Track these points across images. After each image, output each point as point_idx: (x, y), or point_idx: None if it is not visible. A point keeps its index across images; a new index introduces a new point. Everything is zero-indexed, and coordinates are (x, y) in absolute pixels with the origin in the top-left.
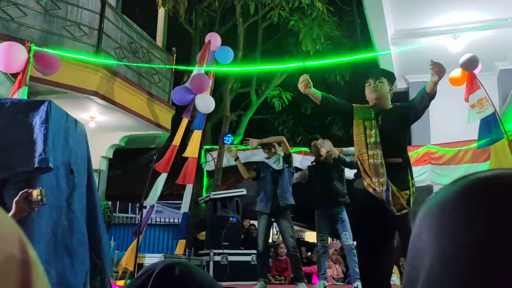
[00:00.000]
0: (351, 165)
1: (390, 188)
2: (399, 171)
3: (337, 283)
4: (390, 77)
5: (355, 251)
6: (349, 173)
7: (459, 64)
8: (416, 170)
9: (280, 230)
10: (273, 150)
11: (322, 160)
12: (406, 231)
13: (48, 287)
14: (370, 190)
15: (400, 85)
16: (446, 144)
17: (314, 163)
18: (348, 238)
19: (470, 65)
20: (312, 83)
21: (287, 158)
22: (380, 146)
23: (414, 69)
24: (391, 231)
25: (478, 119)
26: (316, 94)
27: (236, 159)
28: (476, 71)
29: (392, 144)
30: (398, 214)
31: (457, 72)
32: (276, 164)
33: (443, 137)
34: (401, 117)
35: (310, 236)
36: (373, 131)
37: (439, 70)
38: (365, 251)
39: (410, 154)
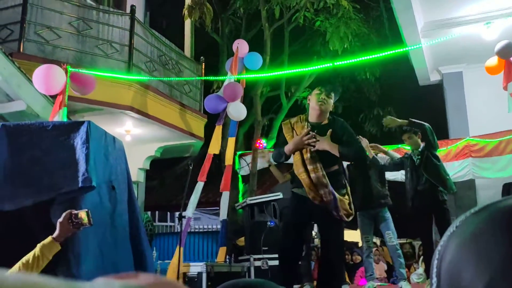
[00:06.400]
0: (387, 167)
1: (336, 196)
2: (337, 177)
3: (380, 284)
4: (337, 95)
5: (400, 251)
6: (393, 175)
7: (494, 51)
8: (455, 165)
9: None
10: None
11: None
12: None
13: None
14: (317, 201)
15: (433, 77)
16: (487, 135)
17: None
18: (391, 238)
19: (506, 52)
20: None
21: None
22: (317, 159)
23: (447, 61)
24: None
25: None
26: None
27: (270, 165)
28: None
29: (328, 154)
30: (347, 220)
31: (493, 60)
32: None
33: (482, 128)
34: (333, 138)
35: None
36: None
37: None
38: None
39: (448, 148)
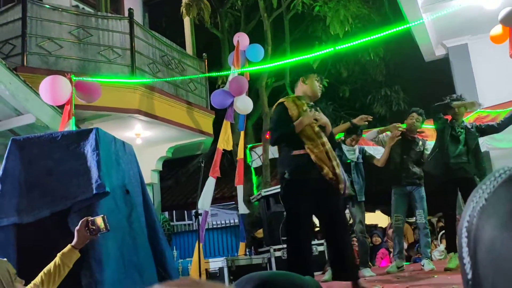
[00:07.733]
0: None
1: (342, 169)
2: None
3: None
4: None
5: (428, 230)
6: None
7: (498, 20)
8: None
9: (351, 215)
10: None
11: (411, 137)
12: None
13: None
14: (329, 176)
15: (438, 52)
16: (497, 106)
17: (400, 136)
18: (422, 217)
19: (510, 19)
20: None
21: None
22: (323, 133)
23: (451, 33)
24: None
25: None
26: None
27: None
28: None
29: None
30: (344, 195)
31: (497, 29)
32: (352, 154)
33: (492, 99)
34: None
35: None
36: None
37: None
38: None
39: None
